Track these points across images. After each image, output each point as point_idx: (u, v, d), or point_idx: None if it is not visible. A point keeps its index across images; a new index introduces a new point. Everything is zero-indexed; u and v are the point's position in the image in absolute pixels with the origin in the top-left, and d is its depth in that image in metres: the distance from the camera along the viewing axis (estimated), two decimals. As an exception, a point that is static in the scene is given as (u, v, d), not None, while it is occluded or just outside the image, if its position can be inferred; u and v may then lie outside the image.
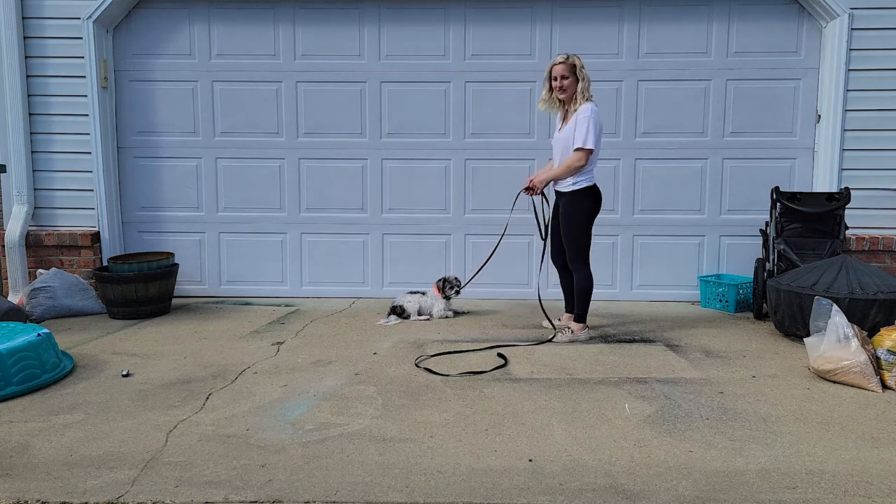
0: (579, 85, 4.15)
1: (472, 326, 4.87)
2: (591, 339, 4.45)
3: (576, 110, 4.17)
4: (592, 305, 4.44)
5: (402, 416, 3.11)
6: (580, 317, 4.44)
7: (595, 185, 4.28)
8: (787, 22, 5.48)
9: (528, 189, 4.46)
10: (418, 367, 3.86)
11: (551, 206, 4.55)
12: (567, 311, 4.67)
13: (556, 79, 4.21)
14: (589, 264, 4.36)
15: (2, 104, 5.44)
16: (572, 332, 4.44)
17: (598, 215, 4.35)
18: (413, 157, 5.76)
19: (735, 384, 3.57)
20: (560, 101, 4.29)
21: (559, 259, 4.56)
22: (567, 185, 4.23)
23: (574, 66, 4.15)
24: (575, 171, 4.17)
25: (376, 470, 2.58)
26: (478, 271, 5.15)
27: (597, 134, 4.13)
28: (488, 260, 5.04)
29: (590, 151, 4.10)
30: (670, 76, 5.57)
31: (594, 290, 4.40)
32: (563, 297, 4.72)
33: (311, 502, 2.35)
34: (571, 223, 4.28)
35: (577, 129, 4.11)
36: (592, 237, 4.36)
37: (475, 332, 4.71)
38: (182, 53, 5.70)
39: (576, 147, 4.11)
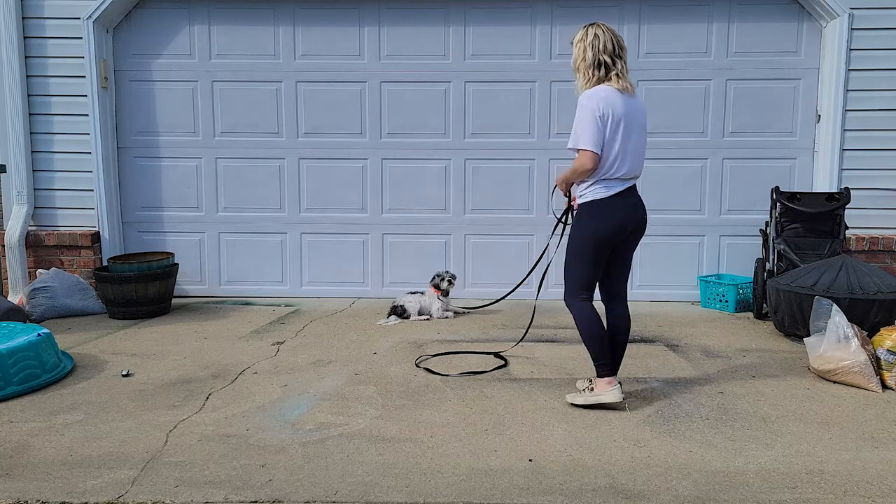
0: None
1: (472, 326, 4.87)
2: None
3: None
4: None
5: (402, 416, 3.11)
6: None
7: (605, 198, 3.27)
8: (787, 22, 5.47)
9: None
10: (418, 367, 3.86)
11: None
12: None
13: None
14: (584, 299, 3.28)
15: (2, 104, 5.44)
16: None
17: None
18: (413, 157, 5.76)
19: (735, 384, 3.57)
20: None
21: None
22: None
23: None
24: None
25: (376, 470, 2.58)
26: (527, 275, 4.63)
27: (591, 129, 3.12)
28: (537, 263, 4.47)
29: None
30: (670, 76, 5.57)
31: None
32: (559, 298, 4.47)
33: (311, 502, 2.35)
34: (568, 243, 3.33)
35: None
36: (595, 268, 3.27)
37: (475, 332, 4.71)
38: (182, 53, 5.70)
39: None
